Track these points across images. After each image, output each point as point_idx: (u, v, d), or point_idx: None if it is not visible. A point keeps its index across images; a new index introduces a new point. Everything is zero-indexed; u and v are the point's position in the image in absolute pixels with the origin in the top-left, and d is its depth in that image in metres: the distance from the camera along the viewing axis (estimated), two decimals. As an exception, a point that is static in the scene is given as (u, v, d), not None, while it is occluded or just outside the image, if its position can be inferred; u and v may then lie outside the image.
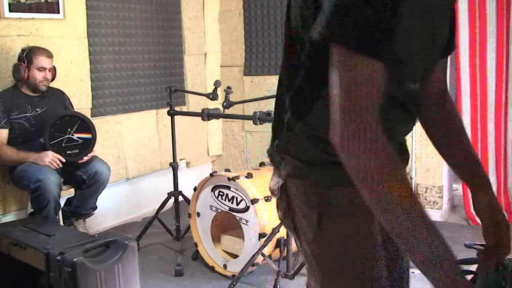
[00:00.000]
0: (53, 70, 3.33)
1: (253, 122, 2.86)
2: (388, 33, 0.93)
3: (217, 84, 3.24)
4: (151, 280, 3.12)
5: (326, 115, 0.98)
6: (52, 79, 3.36)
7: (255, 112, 2.84)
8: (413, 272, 2.73)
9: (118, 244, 2.45)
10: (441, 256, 0.93)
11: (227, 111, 3.17)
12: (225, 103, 3.08)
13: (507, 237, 1.23)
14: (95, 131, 3.32)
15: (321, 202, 1.16)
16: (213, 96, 3.28)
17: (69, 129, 3.23)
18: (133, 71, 4.19)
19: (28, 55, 3.20)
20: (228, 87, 3.12)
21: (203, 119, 3.15)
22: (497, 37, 3.80)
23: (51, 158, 3.10)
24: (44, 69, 3.23)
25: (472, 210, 4.04)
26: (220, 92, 3.29)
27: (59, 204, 3.13)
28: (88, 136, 3.29)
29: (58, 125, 3.20)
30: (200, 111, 3.21)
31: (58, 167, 3.14)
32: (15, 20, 3.36)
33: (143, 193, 4.40)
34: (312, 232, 1.17)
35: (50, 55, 3.28)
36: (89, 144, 3.29)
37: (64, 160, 3.15)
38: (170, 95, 3.43)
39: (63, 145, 3.20)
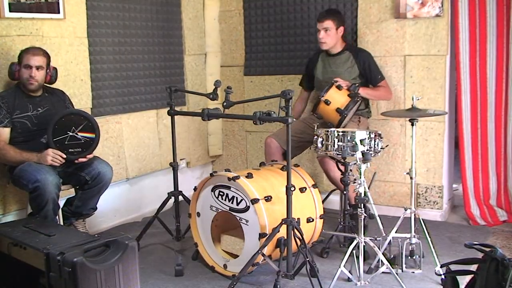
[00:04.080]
0: (50, 70, 3.30)
1: (253, 122, 2.85)
2: None
3: (217, 84, 3.24)
4: (151, 280, 3.12)
5: None
6: (51, 81, 3.35)
7: (255, 112, 2.83)
8: (413, 272, 2.74)
9: (118, 244, 2.45)
10: None
11: (227, 111, 3.17)
12: (225, 103, 3.08)
13: None
14: (99, 132, 3.30)
15: None
16: (213, 96, 3.28)
17: (73, 127, 3.22)
18: (133, 71, 4.19)
19: (21, 55, 3.20)
20: (228, 87, 3.12)
21: (203, 119, 3.15)
22: (497, 37, 3.80)
23: (51, 155, 3.10)
24: (29, 66, 3.17)
25: (472, 210, 4.07)
26: (220, 92, 3.29)
27: (58, 204, 3.12)
28: (92, 136, 3.28)
29: (62, 122, 3.19)
30: (200, 111, 3.21)
31: (60, 163, 3.14)
32: (15, 20, 3.36)
33: (143, 193, 4.40)
34: None
35: (37, 53, 3.20)
36: (91, 144, 3.28)
37: (64, 156, 3.14)
38: (170, 95, 3.44)
39: (66, 142, 3.19)
